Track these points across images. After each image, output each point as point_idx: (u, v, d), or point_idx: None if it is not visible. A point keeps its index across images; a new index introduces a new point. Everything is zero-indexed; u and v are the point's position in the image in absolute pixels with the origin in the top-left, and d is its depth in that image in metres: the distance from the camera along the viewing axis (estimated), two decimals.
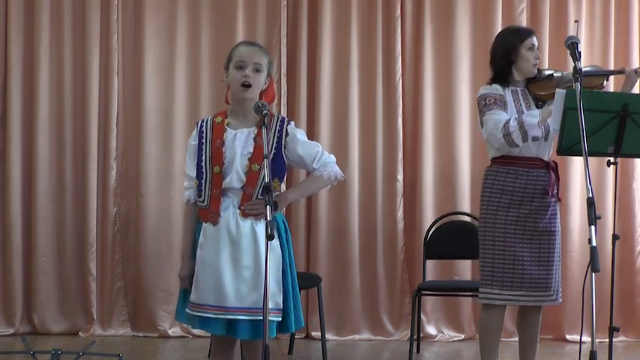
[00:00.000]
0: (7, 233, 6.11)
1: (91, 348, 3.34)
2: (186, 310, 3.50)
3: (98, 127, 6.16)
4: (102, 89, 6.17)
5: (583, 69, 4.15)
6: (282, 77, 6.25)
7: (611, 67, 6.22)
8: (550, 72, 4.38)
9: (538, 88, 4.33)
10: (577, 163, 6.15)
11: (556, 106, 3.90)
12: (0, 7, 6.10)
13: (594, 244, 3.19)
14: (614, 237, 3.90)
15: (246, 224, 3.45)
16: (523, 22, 6.21)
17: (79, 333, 6.09)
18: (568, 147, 3.82)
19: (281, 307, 3.46)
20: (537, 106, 4.31)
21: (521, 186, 4.25)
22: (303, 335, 6.13)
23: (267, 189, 3.16)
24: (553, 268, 4.29)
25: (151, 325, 6.14)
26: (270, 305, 3.39)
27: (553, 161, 4.38)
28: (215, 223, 3.48)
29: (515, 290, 4.26)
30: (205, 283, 3.45)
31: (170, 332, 6.13)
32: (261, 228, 3.44)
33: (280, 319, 3.47)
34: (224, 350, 3.60)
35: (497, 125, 4.19)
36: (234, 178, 3.47)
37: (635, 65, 6.28)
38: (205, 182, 3.50)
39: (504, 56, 4.33)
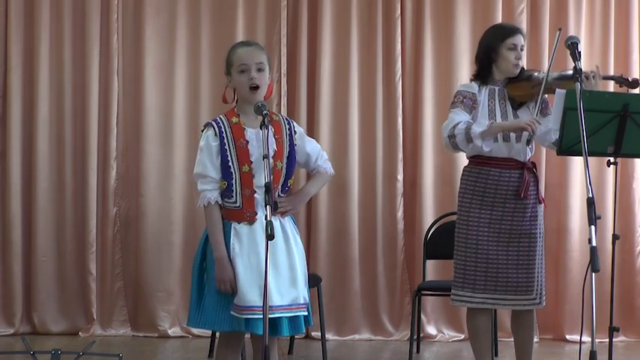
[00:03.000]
0: (7, 233, 6.10)
1: (91, 348, 3.34)
2: (232, 312, 3.45)
3: (98, 127, 6.15)
4: (102, 89, 6.17)
5: (563, 73, 4.19)
6: (282, 77, 6.25)
7: (612, 68, 6.24)
8: (531, 72, 4.34)
9: (514, 89, 4.29)
10: (577, 163, 6.15)
11: (556, 106, 3.90)
12: (0, 7, 6.10)
13: (594, 244, 3.19)
14: (614, 237, 3.89)
15: (276, 222, 3.46)
16: (523, 22, 6.21)
17: (79, 333, 6.08)
18: (568, 147, 3.82)
19: (308, 301, 3.54)
20: (513, 107, 4.29)
21: (492, 187, 4.21)
22: (303, 335, 6.11)
23: (267, 189, 3.17)
24: (534, 271, 4.24)
25: (151, 325, 6.14)
26: (301, 300, 3.49)
27: (532, 162, 4.33)
28: (252, 222, 3.47)
29: (489, 293, 4.23)
30: (250, 285, 3.43)
31: (170, 332, 6.12)
32: (288, 225, 3.55)
33: (307, 313, 3.55)
34: (233, 346, 3.61)
35: (448, 125, 4.20)
36: (264, 176, 3.47)
37: (635, 66, 6.30)
38: (235, 182, 3.49)
39: (485, 54, 4.31)
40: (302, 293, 3.50)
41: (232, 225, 3.49)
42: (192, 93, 6.22)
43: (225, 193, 3.50)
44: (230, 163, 3.48)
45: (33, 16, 6.11)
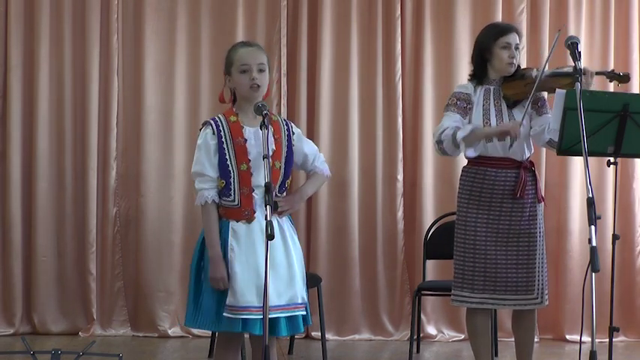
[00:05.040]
0: (7, 233, 6.10)
1: (91, 348, 3.34)
2: (225, 314, 3.44)
3: (98, 127, 6.15)
4: (102, 89, 6.17)
5: (556, 70, 4.17)
6: (282, 77, 6.25)
7: (612, 68, 6.23)
8: (525, 71, 4.32)
9: (507, 88, 4.29)
10: (577, 163, 6.15)
11: (556, 106, 3.91)
12: (0, 7, 6.10)
13: (594, 244, 3.19)
14: (614, 237, 3.90)
15: (274, 222, 3.44)
16: (523, 22, 6.21)
17: (79, 333, 6.08)
18: (568, 147, 3.82)
19: (307, 301, 3.54)
20: (508, 106, 4.28)
21: (488, 187, 4.22)
22: (303, 335, 6.12)
23: (267, 189, 3.17)
24: (535, 271, 4.24)
25: (151, 325, 6.14)
26: (299, 300, 3.50)
27: (529, 161, 4.33)
28: (250, 221, 3.47)
29: (488, 293, 4.24)
30: (246, 285, 3.43)
31: (170, 332, 6.12)
32: (286, 224, 3.54)
33: (306, 313, 3.55)
34: (232, 347, 3.61)
35: (438, 130, 4.21)
36: (262, 175, 3.45)
37: (635, 66, 6.29)
38: (233, 181, 3.49)
39: (479, 54, 4.33)
40: (300, 293, 3.50)
41: (230, 224, 3.48)
42: (192, 93, 6.22)
43: (224, 191, 3.50)
44: (228, 162, 3.49)
45: (33, 16, 6.11)
